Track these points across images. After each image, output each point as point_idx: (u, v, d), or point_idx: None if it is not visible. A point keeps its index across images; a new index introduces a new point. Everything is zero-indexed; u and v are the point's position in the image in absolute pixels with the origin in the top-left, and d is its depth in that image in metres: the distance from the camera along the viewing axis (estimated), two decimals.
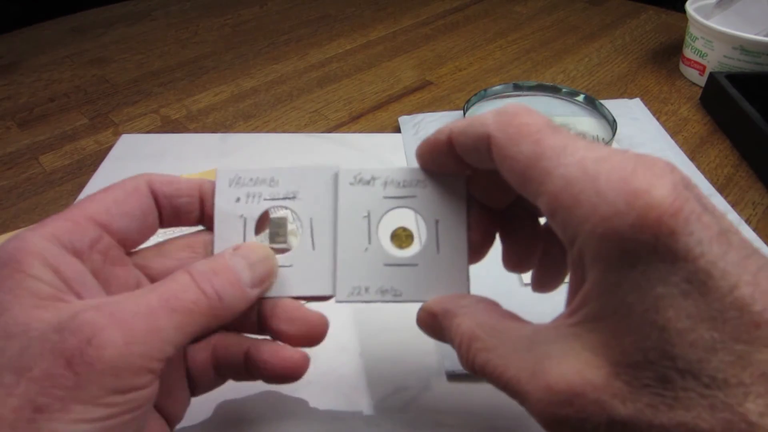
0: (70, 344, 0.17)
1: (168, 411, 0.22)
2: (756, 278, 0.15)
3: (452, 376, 0.29)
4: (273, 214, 0.24)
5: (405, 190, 0.23)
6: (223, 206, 0.24)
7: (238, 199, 0.24)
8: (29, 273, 0.18)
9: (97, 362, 0.17)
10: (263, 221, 0.24)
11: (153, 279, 0.23)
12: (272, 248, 0.23)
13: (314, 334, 0.23)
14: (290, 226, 0.25)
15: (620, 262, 0.15)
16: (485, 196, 0.23)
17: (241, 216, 0.24)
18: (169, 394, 0.20)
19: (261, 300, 0.23)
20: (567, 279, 0.18)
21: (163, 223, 0.23)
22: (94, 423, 0.17)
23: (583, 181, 0.16)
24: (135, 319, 0.18)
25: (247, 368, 0.23)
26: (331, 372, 0.30)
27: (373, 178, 0.24)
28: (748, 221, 0.40)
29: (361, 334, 0.25)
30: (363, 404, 0.28)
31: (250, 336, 0.24)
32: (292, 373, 0.23)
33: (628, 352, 0.15)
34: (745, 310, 0.14)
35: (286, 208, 0.24)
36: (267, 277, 0.23)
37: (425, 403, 0.28)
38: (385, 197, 0.23)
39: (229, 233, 0.23)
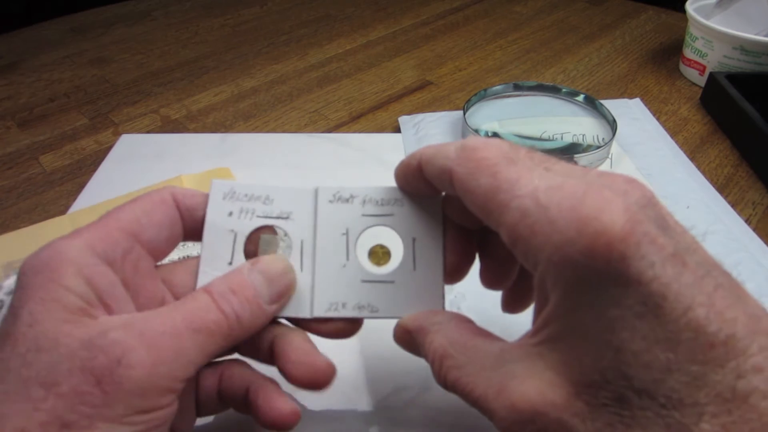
0: (100, 362, 0.17)
1: (177, 429, 0.22)
2: (711, 299, 0.15)
3: None
4: (263, 233, 0.24)
5: (383, 208, 0.24)
6: (214, 219, 0.23)
7: (230, 213, 0.23)
8: (62, 283, 0.18)
9: (126, 382, 0.17)
10: (253, 238, 0.24)
11: (175, 293, 0.23)
12: None
13: (319, 380, 0.22)
14: (282, 244, 0.24)
15: (576, 287, 0.16)
16: (461, 216, 0.23)
17: (232, 230, 0.23)
18: (179, 411, 0.20)
19: (275, 336, 0.22)
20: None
21: (185, 235, 0.23)
22: None
23: (536, 212, 0.16)
24: (162, 339, 0.18)
25: (245, 404, 0.23)
26: None
27: (352, 197, 0.24)
28: (748, 221, 0.40)
29: (361, 334, 0.25)
30: (363, 404, 0.28)
31: (256, 371, 0.23)
32: (280, 425, 0.22)
33: (587, 372, 0.16)
34: (700, 332, 0.14)
35: (279, 227, 0.24)
36: (286, 292, 0.22)
37: (425, 403, 0.28)
38: (364, 215, 0.24)
39: (217, 247, 0.23)
